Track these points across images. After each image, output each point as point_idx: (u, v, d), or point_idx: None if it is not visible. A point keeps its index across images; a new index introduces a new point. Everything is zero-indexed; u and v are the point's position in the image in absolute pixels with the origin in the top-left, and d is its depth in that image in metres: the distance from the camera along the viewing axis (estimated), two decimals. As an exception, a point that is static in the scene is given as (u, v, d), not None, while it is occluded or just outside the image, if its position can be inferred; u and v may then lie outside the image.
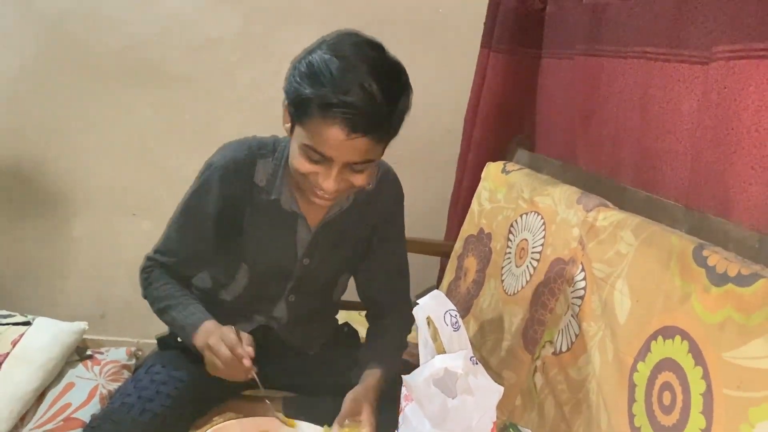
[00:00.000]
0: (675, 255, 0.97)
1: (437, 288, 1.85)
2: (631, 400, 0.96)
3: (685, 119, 1.16)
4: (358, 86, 0.95)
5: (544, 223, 1.38)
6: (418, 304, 1.06)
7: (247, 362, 1.05)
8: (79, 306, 2.11)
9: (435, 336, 1.07)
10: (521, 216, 1.48)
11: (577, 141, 1.55)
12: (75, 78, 2.03)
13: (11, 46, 2.00)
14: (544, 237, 1.36)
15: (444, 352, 1.06)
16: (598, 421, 1.02)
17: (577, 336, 1.15)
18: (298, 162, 1.04)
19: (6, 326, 1.85)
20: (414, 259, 2.00)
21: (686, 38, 1.16)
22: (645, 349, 0.96)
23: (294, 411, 1.21)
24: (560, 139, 1.66)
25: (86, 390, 1.78)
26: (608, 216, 1.19)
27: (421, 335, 1.07)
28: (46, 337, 1.82)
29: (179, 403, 1.14)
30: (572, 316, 1.18)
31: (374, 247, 1.29)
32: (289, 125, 1.07)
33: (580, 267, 1.20)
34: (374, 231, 1.28)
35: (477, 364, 1.01)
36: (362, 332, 1.60)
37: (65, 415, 1.70)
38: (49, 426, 1.67)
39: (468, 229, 1.75)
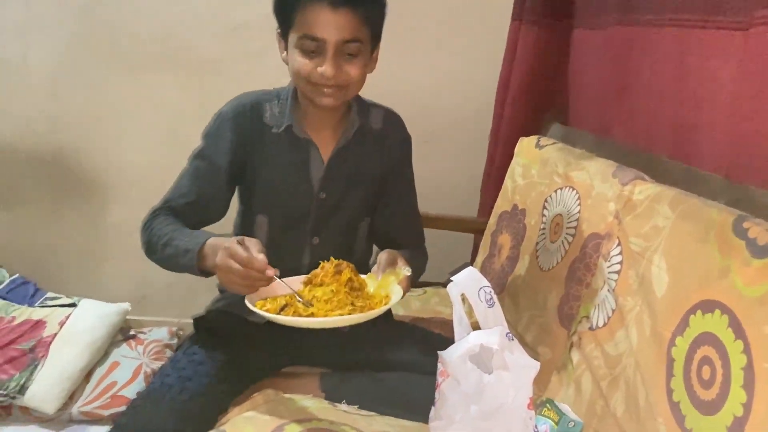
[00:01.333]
0: (714, 228, 0.95)
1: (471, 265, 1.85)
2: (670, 375, 0.95)
3: (723, 88, 1.13)
4: None
5: (579, 198, 1.37)
6: (452, 281, 1.06)
7: (270, 272, 1.02)
8: (120, 288, 2.17)
9: (470, 313, 1.08)
10: (556, 191, 1.47)
11: (611, 113, 1.52)
12: (107, 65, 2.07)
13: (47, 35, 2.04)
14: (579, 212, 1.35)
15: (479, 329, 1.06)
16: (635, 396, 1.02)
17: (613, 311, 1.14)
18: (298, 64, 1.14)
19: (53, 308, 1.91)
20: (447, 237, 2.01)
21: (724, 3, 1.12)
22: (683, 324, 0.95)
23: (332, 386, 1.23)
24: (594, 112, 1.63)
25: (131, 368, 1.84)
26: (644, 189, 1.17)
27: (455, 312, 1.08)
28: (91, 318, 1.88)
29: (217, 382, 1.17)
30: (608, 291, 1.17)
31: (389, 189, 1.34)
32: (284, 52, 1.19)
33: (617, 241, 1.19)
34: (387, 172, 1.33)
35: (513, 339, 1.02)
36: (396, 309, 1.62)
37: (112, 393, 1.77)
38: (97, 403, 1.74)
39: (501, 205, 1.74)
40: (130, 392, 1.76)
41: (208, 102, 2.04)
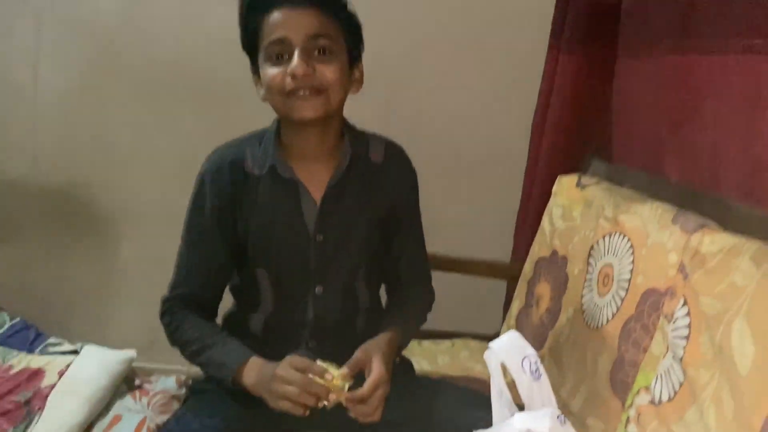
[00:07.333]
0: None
1: (504, 315, 1.68)
2: (761, 471, 0.78)
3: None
4: None
5: (632, 247, 1.20)
6: (490, 347, 0.91)
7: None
8: (128, 332, 2.04)
9: (511, 384, 0.91)
10: (603, 237, 1.30)
11: (665, 150, 1.36)
12: (123, 94, 1.98)
13: (60, 64, 1.96)
14: (632, 262, 1.18)
15: (521, 404, 0.90)
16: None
17: (681, 384, 0.97)
18: (269, 77, 1.06)
19: (53, 355, 1.78)
20: (477, 283, 1.85)
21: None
22: (777, 409, 0.78)
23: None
24: (644, 148, 1.47)
25: (133, 423, 1.68)
26: (716, 240, 1.00)
27: (494, 385, 0.92)
28: (93, 367, 1.74)
29: None
30: (674, 359, 1.00)
31: (395, 228, 1.22)
32: (258, 80, 1.12)
33: (682, 300, 1.02)
34: (392, 210, 1.20)
35: (565, 423, 0.85)
36: (421, 364, 1.46)
37: (111, 452, 1.62)
38: (95, 462, 1.59)
39: (539, 250, 1.57)
40: (130, 451, 1.60)
41: (225, 131, 1.91)
